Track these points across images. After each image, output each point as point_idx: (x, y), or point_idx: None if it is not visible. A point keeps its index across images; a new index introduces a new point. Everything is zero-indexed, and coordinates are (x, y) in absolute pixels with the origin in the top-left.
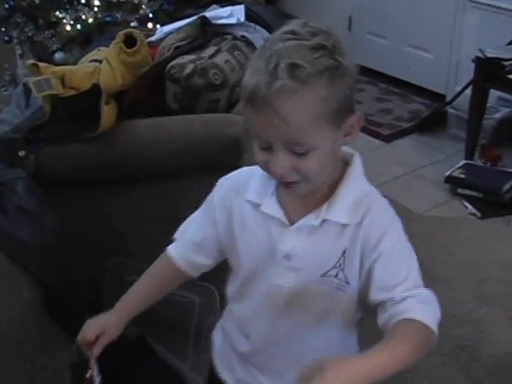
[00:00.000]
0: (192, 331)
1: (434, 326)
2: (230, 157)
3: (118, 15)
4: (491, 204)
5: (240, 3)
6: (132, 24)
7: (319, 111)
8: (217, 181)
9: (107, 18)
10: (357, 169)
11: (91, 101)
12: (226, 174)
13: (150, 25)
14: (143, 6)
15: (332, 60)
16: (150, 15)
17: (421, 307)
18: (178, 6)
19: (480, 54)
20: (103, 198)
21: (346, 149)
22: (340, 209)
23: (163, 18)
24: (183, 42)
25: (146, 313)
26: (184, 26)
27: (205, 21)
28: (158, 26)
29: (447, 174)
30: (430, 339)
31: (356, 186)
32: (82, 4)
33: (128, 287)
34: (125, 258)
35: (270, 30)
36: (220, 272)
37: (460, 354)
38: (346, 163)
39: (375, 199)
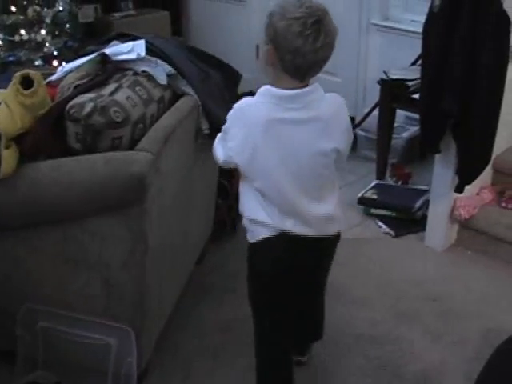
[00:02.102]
0: (110, 374)
1: None
2: (134, 195)
3: (22, 54)
4: (404, 222)
5: (141, 38)
6: (36, 63)
7: None
8: (123, 219)
9: (10, 58)
10: None
11: None
12: (131, 212)
13: (55, 62)
14: (47, 44)
15: None
16: (55, 53)
17: None
18: (83, 42)
19: (384, 76)
20: (9, 243)
21: None
22: None
23: (68, 55)
24: (83, 80)
25: (61, 359)
26: (84, 63)
27: (105, 57)
28: (63, 63)
29: (359, 195)
30: None
31: None
32: None
33: (40, 334)
34: (36, 304)
35: (171, 62)
36: None
37: (382, 374)
38: None
39: None
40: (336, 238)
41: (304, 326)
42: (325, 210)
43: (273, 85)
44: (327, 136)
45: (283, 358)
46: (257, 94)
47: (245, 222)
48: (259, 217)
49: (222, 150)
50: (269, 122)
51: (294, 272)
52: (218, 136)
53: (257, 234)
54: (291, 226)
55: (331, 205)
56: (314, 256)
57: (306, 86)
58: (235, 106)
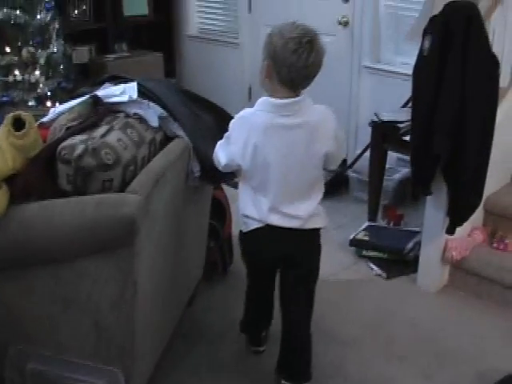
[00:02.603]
0: None
1: None
2: (124, 237)
3: (15, 95)
4: (396, 264)
5: (133, 80)
6: (30, 103)
7: None
8: (113, 261)
9: (4, 98)
10: None
11: None
12: (121, 254)
13: (48, 103)
14: (41, 85)
15: None
16: (49, 94)
17: None
18: (77, 83)
19: (375, 118)
20: None
21: None
22: None
23: (62, 96)
24: (75, 122)
25: None
26: (76, 105)
27: (97, 100)
28: (57, 104)
29: (351, 237)
30: None
31: None
32: None
33: (29, 376)
34: (26, 345)
35: (163, 105)
36: None
37: None
38: None
39: None
40: (317, 230)
41: (293, 355)
42: (310, 208)
43: (270, 95)
44: (316, 140)
45: (260, 300)
46: (256, 104)
47: (240, 216)
48: (250, 213)
49: (224, 154)
50: (267, 127)
51: (279, 259)
52: (219, 143)
53: (249, 225)
54: (276, 220)
55: (315, 202)
56: (298, 247)
57: (296, 95)
58: (237, 116)
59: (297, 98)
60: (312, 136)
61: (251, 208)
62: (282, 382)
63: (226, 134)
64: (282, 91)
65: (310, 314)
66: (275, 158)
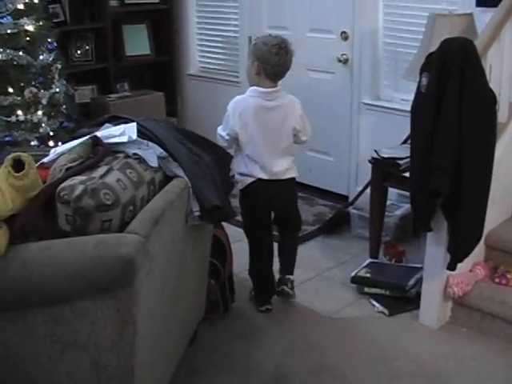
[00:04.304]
0: None
1: None
2: (123, 277)
3: (18, 134)
4: (398, 300)
5: (133, 121)
6: (32, 143)
7: None
8: (112, 301)
9: (6, 138)
10: None
11: None
12: (121, 294)
13: (51, 143)
14: (43, 125)
15: None
16: (51, 133)
17: None
18: (79, 123)
19: (376, 155)
20: None
21: None
22: None
23: (64, 136)
24: (75, 163)
25: None
26: (76, 146)
27: (97, 140)
28: (59, 143)
29: (353, 274)
30: None
31: None
32: None
33: None
34: None
35: (162, 145)
36: None
37: None
38: None
39: None
40: (292, 179)
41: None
42: (285, 164)
43: (257, 86)
44: (287, 117)
45: (260, 243)
46: (247, 92)
47: (236, 176)
48: (244, 171)
49: (225, 128)
50: (256, 108)
51: (268, 201)
52: (220, 127)
53: (244, 182)
54: (264, 175)
55: (289, 161)
56: (279, 191)
57: (276, 86)
58: (232, 101)
59: (276, 88)
60: (285, 114)
61: (245, 169)
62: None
63: (225, 115)
64: (267, 82)
65: (297, 236)
66: (260, 133)
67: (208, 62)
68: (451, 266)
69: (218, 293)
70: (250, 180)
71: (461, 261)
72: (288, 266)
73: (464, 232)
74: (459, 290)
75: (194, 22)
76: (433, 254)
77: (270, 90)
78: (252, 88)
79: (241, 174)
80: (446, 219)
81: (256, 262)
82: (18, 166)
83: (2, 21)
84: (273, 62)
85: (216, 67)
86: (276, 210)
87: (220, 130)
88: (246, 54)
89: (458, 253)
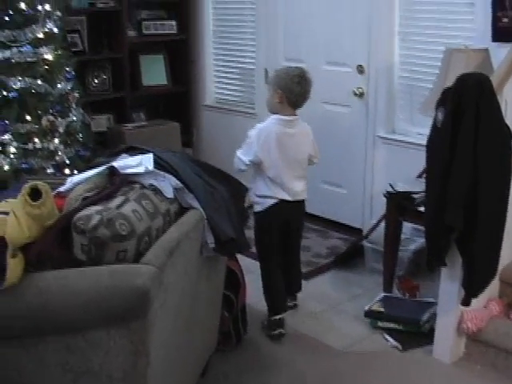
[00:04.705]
0: None
1: None
2: (138, 308)
3: (34, 162)
4: (412, 335)
5: (149, 151)
6: (48, 171)
7: None
8: (126, 332)
9: (23, 165)
10: None
11: None
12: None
13: (67, 171)
14: (59, 153)
15: None
16: (67, 161)
17: None
18: (95, 151)
19: (390, 189)
20: (11, 351)
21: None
22: None
23: (80, 164)
24: (91, 193)
25: None
26: (93, 176)
27: (113, 170)
28: (75, 171)
29: (366, 308)
30: None
31: None
32: None
33: None
34: None
35: (178, 176)
36: None
37: None
38: None
39: None
40: (304, 200)
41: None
42: (301, 186)
43: (280, 113)
44: (305, 144)
45: (276, 261)
46: (269, 119)
47: (255, 198)
48: (267, 193)
49: (247, 154)
50: (278, 134)
51: (286, 220)
52: (240, 151)
53: (265, 204)
54: (286, 196)
55: (304, 182)
56: (297, 211)
57: (296, 114)
58: (255, 128)
59: (296, 116)
60: (302, 141)
61: (267, 191)
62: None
63: (247, 141)
64: (288, 110)
65: (299, 251)
66: (281, 158)
67: (224, 93)
68: (466, 302)
69: (231, 324)
70: (272, 201)
71: (475, 296)
72: (300, 281)
73: (479, 267)
74: (473, 326)
75: (210, 53)
76: (447, 290)
77: (291, 118)
78: (274, 116)
79: (261, 197)
80: (460, 254)
81: (272, 280)
82: (35, 194)
83: (22, 49)
84: (296, 91)
85: (232, 98)
86: (290, 229)
87: (240, 154)
88: (264, 85)
89: (472, 288)
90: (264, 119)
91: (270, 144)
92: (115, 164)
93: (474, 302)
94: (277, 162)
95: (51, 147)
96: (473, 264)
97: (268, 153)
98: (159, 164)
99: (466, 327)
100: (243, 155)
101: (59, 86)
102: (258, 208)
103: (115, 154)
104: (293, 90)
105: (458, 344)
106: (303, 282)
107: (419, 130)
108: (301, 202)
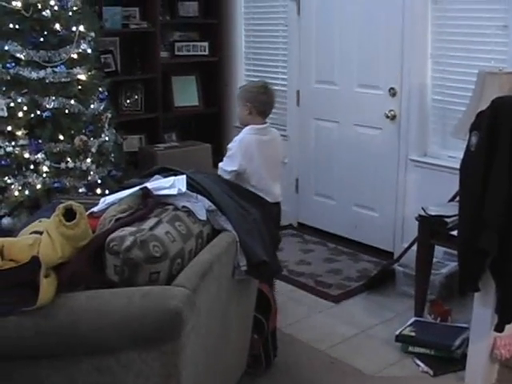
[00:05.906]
0: None
1: None
2: (170, 330)
3: (67, 181)
4: (443, 360)
5: (182, 173)
6: (80, 190)
7: None
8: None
9: (55, 184)
10: None
11: (30, 273)
12: (166, 348)
13: (98, 191)
14: (91, 173)
15: None
16: (99, 181)
17: None
18: (126, 171)
19: (423, 212)
20: (41, 372)
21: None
22: None
23: (112, 185)
24: (124, 214)
25: None
26: (126, 196)
27: (147, 192)
28: (106, 191)
29: (397, 332)
30: None
31: None
32: (31, 170)
33: None
34: None
35: (211, 198)
36: None
37: None
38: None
39: None
40: (280, 203)
41: None
42: (279, 189)
43: (252, 124)
44: (278, 148)
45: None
46: (244, 131)
47: None
48: None
49: (230, 165)
50: (256, 142)
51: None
52: (223, 163)
53: None
54: (269, 199)
55: (279, 185)
56: (277, 213)
57: (266, 122)
58: (235, 140)
59: (267, 124)
60: (276, 145)
61: None
62: None
63: (229, 153)
64: (259, 120)
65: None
66: (262, 164)
67: None
68: (499, 328)
69: (261, 347)
70: None
71: (509, 322)
72: None
73: None
74: (506, 353)
75: (242, 75)
76: (480, 315)
77: (263, 126)
78: (248, 127)
79: None
80: (493, 279)
81: None
82: (70, 214)
83: (56, 70)
84: (263, 100)
85: None
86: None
87: (224, 166)
88: (297, 108)
89: (505, 314)
90: (295, 141)
91: (252, 152)
92: (148, 185)
93: (508, 328)
94: (258, 169)
95: (83, 167)
96: (507, 290)
97: (250, 161)
98: (192, 185)
99: (499, 354)
100: (227, 166)
101: (92, 106)
102: None
103: (148, 175)
104: (261, 100)
105: (490, 370)
106: (333, 306)
107: (451, 153)
108: (279, 204)
